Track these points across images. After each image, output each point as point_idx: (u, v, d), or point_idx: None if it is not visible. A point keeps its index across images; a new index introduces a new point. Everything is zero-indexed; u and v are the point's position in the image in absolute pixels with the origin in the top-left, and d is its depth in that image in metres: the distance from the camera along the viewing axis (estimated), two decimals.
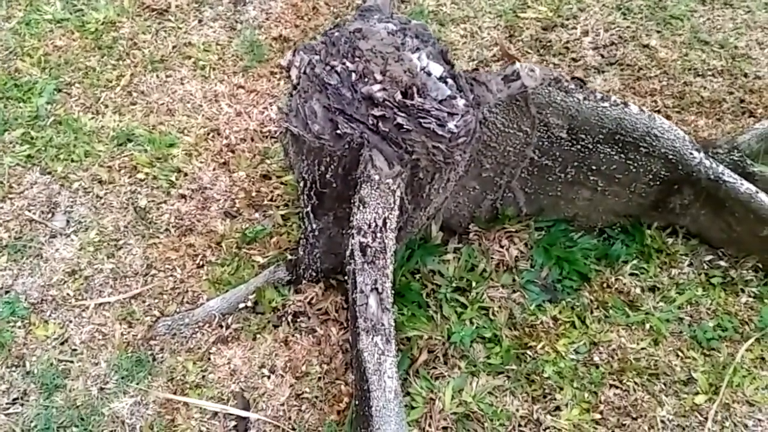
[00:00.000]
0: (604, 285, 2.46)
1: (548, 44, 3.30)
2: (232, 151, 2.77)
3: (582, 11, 3.45)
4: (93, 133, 2.80)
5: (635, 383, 2.24)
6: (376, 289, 1.83)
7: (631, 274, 2.49)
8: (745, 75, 3.17)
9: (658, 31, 3.37)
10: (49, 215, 2.59)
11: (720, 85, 3.13)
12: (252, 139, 2.81)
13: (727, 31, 3.36)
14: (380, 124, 1.91)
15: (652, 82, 3.14)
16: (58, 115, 2.85)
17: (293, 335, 2.29)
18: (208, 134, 2.83)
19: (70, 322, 2.34)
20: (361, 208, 1.90)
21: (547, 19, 3.40)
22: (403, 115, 1.91)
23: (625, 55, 3.26)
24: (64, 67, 3.01)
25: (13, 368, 2.22)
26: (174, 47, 3.15)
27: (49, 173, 2.69)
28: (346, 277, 2.04)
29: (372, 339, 1.76)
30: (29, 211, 2.58)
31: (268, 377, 2.21)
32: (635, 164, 2.33)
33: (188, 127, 2.85)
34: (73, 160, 2.72)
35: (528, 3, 3.48)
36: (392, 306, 1.86)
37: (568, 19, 3.41)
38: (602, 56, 3.27)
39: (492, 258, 2.49)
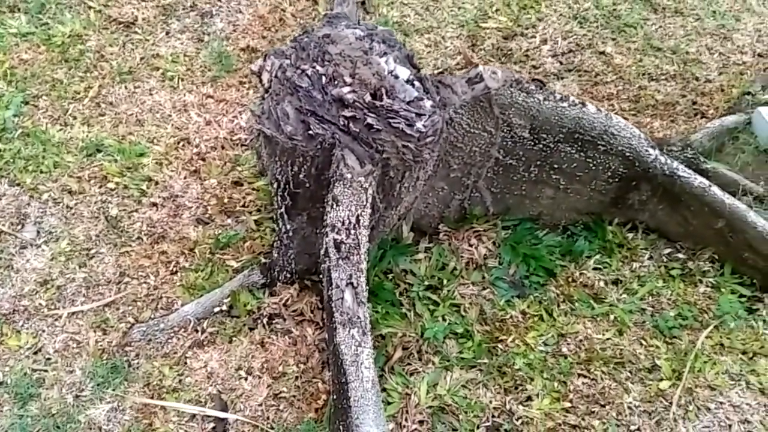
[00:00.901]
0: (570, 279, 2.55)
1: (509, 52, 3.41)
2: (203, 159, 2.80)
3: (540, 21, 3.58)
4: (62, 144, 2.80)
5: (602, 372, 2.32)
6: (351, 283, 1.87)
7: (595, 269, 2.58)
8: (697, 79, 3.32)
9: (613, 39, 3.52)
10: (19, 226, 2.57)
11: (673, 89, 3.28)
12: (222, 147, 2.85)
13: (678, 37, 3.52)
14: (351, 124, 1.98)
15: (609, 87, 3.27)
16: (26, 127, 2.84)
17: (269, 337, 2.32)
18: (178, 143, 2.86)
19: (43, 331, 2.33)
20: (334, 206, 1.95)
21: (507, 28, 3.52)
22: (372, 115, 1.97)
23: (583, 61, 3.39)
24: (30, 80, 3.01)
25: None
26: (142, 59, 3.17)
27: (18, 185, 2.68)
28: (320, 277, 2.08)
29: (349, 332, 1.80)
30: None
31: (246, 379, 2.23)
32: (594, 162, 2.44)
33: (158, 137, 2.87)
34: (42, 171, 2.71)
35: (489, 14, 3.60)
36: (367, 301, 1.91)
37: (527, 29, 3.53)
38: (561, 63, 3.39)
39: (462, 257, 2.56)
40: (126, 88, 3.05)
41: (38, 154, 2.75)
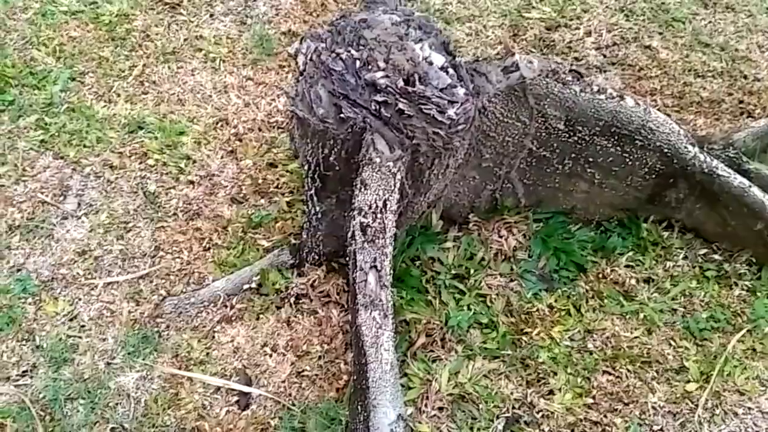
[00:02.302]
0: (600, 276, 2.51)
1: (552, 44, 3.36)
2: (240, 140, 2.85)
3: (585, 12, 3.52)
4: (105, 121, 2.88)
5: (628, 370, 2.28)
6: (375, 266, 1.89)
7: (627, 266, 2.54)
8: (745, 77, 3.23)
9: (660, 33, 3.44)
10: (61, 198, 2.66)
11: (719, 86, 3.19)
12: (259, 129, 2.89)
13: (728, 34, 3.42)
14: (382, 109, 1.98)
15: (653, 82, 3.20)
16: (72, 102, 2.93)
17: (295, 316, 2.35)
18: (217, 123, 2.91)
19: (80, 299, 2.41)
20: (362, 189, 1.97)
21: (551, 19, 3.47)
22: (404, 101, 1.98)
23: (627, 55, 3.32)
24: (78, 57, 3.10)
25: (24, 342, 2.29)
26: (185, 40, 3.23)
27: (62, 158, 2.77)
28: (347, 259, 2.10)
29: (370, 314, 1.82)
30: (42, 193, 2.66)
31: (270, 355, 2.27)
32: (631, 157, 2.39)
33: (198, 117, 2.93)
34: (85, 146, 2.80)
35: (532, 3, 3.55)
36: (390, 285, 1.93)
37: (571, 20, 3.47)
38: (604, 56, 3.33)
39: (491, 247, 2.55)
40: (169, 67, 3.12)
41: (82, 129, 2.84)
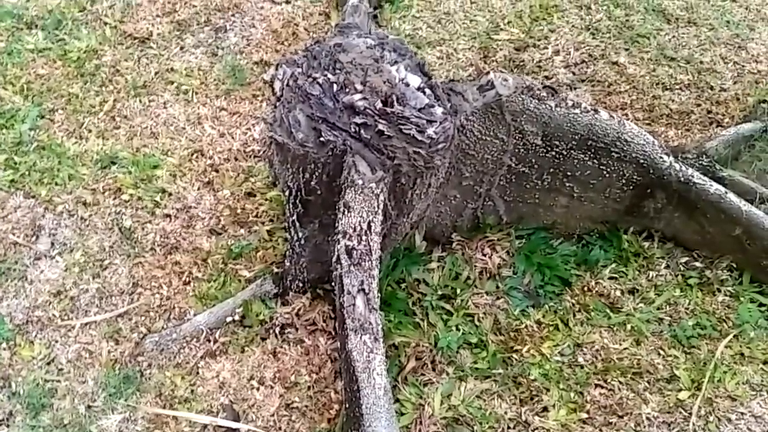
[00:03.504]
0: (585, 289, 2.51)
1: (521, 63, 3.41)
2: (216, 171, 2.81)
3: (552, 32, 3.58)
4: (77, 157, 2.82)
5: (620, 382, 2.27)
6: (363, 290, 1.86)
7: (611, 278, 2.55)
8: (711, 88, 3.30)
9: (626, 49, 3.50)
10: (34, 238, 2.59)
11: (687, 98, 3.25)
12: (236, 159, 2.86)
13: (692, 47, 3.50)
14: (362, 131, 1.98)
15: (622, 97, 3.25)
16: (42, 140, 2.88)
17: (281, 347, 2.30)
18: (192, 155, 2.87)
19: (56, 342, 2.33)
20: (345, 212, 1.95)
21: (519, 40, 3.52)
22: (383, 122, 1.97)
23: (596, 72, 3.37)
24: (46, 95, 3.04)
25: None
26: (156, 73, 3.20)
27: (33, 197, 2.70)
28: (332, 285, 2.07)
29: (360, 338, 1.79)
30: (13, 234, 2.59)
31: (258, 389, 2.22)
32: (608, 169, 2.41)
33: (172, 149, 2.89)
34: (57, 184, 2.74)
35: (501, 26, 3.60)
36: (379, 307, 1.89)
37: (539, 40, 3.53)
38: (573, 74, 3.38)
39: (475, 266, 2.54)
40: (140, 101, 3.08)
41: (53, 167, 2.78)
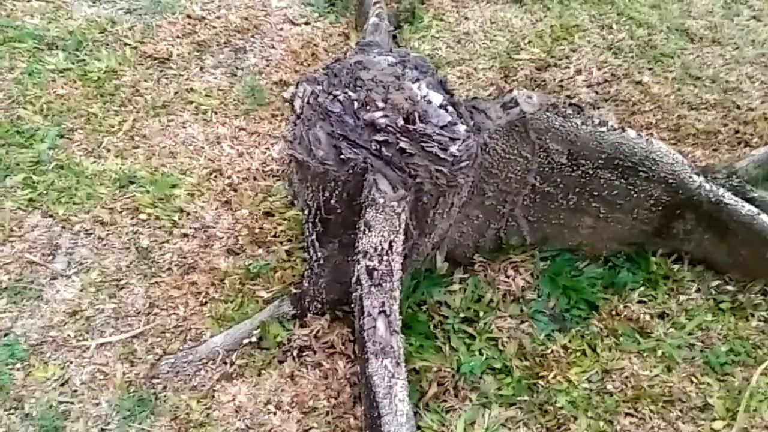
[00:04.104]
0: (613, 313, 2.43)
1: (543, 83, 3.36)
2: (235, 190, 2.78)
3: (574, 52, 3.54)
4: (95, 176, 2.81)
5: (650, 411, 2.19)
6: (384, 311, 1.80)
7: (640, 302, 2.47)
8: (738, 107, 3.23)
9: (650, 69, 3.45)
10: (50, 257, 2.56)
11: (714, 118, 3.19)
12: (254, 178, 2.83)
13: (717, 66, 3.44)
14: (383, 149, 1.93)
15: (647, 116, 3.19)
16: (60, 159, 2.86)
17: (299, 370, 2.24)
18: (211, 174, 2.85)
19: (71, 363, 2.28)
20: (366, 231, 1.90)
21: (540, 59, 3.48)
22: (405, 139, 1.93)
23: (619, 91, 3.32)
24: (66, 114, 3.04)
25: (12, 411, 2.16)
26: (176, 93, 3.20)
27: (51, 216, 2.68)
28: (352, 307, 2.01)
29: (381, 362, 1.72)
30: (30, 253, 2.56)
31: (275, 413, 2.15)
32: (636, 189, 2.35)
33: (190, 169, 2.87)
34: (74, 203, 2.71)
35: (521, 45, 3.57)
36: (400, 329, 1.83)
37: (560, 60, 3.48)
38: (596, 93, 3.33)
39: (498, 288, 2.47)
40: (159, 121, 3.07)
41: (71, 186, 2.76)
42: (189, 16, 3.60)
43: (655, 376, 2.26)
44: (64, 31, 3.43)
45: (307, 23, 3.64)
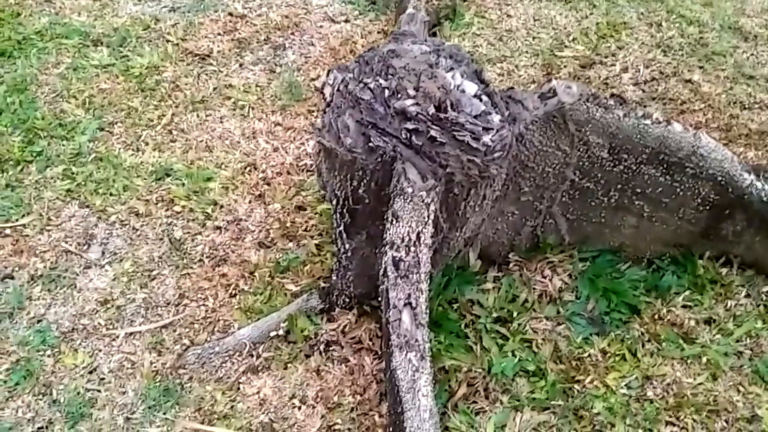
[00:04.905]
0: (656, 317, 2.32)
1: (587, 81, 3.26)
2: (268, 184, 2.77)
3: (620, 49, 3.42)
4: (132, 169, 2.83)
5: (694, 420, 2.06)
6: (410, 303, 1.74)
7: (684, 306, 2.34)
8: None
9: (701, 67, 3.31)
10: (85, 247, 2.59)
11: None
12: (288, 173, 2.81)
13: None
14: (413, 137, 1.88)
15: (697, 115, 3.06)
16: (100, 152, 2.90)
17: (325, 365, 2.19)
18: (245, 168, 2.84)
19: (100, 350, 2.29)
20: (394, 222, 1.84)
21: (585, 57, 3.38)
22: (436, 128, 1.87)
23: (667, 89, 3.19)
24: (107, 108, 3.09)
25: (40, 396, 2.17)
26: (215, 89, 3.21)
27: (88, 207, 2.71)
28: (379, 301, 1.96)
29: (405, 355, 1.66)
30: (66, 242, 2.59)
31: (299, 408, 2.11)
32: (682, 187, 2.23)
33: (226, 162, 2.87)
34: (111, 194, 2.74)
35: (565, 43, 3.47)
36: (426, 324, 1.77)
37: (606, 57, 3.38)
38: (643, 91, 3.21)
39: (534, 288, 2.38)
40: (198, 116, 3.09)
41: (109, 178, 2.79)
42: (231, 14, 3.63)
43: (699, 384, 2.14)
44: (109, 28, 3.49)
45: (346, 21, 3.63)
